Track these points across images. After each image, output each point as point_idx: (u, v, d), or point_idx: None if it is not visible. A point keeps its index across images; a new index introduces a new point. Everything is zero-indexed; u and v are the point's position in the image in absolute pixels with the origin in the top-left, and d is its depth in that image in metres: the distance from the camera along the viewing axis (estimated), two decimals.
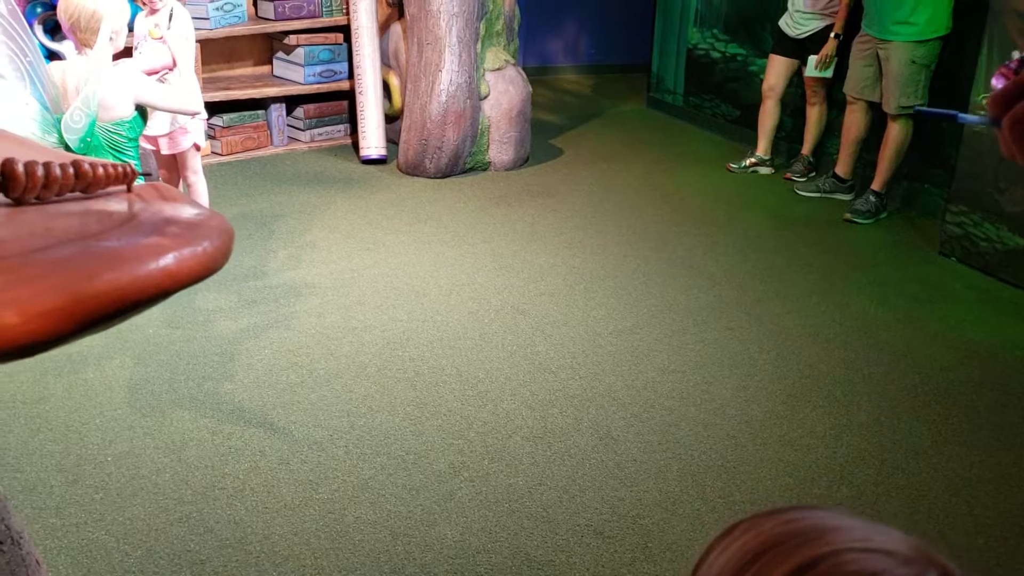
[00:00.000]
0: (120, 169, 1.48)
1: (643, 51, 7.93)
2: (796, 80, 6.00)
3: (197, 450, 3.19)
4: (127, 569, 2.66)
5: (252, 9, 6.07)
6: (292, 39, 6.07)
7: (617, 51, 8.80)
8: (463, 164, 5.87)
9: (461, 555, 2.77)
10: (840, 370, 3.85)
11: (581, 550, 2.80)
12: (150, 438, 3.25)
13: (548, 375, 3.74)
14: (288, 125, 6.27)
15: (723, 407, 3.56)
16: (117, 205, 1.48)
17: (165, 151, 4.37)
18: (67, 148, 3.85)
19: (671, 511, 2.98)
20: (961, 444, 3.40)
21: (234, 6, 5.82)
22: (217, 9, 5.70)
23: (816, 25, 5.65)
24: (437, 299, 4.32)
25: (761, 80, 6.16)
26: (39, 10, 5.17)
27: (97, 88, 3.74)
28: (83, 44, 3.86)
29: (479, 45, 5.76)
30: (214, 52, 6.01)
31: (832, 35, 5.56)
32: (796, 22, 5.73)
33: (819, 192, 5.77)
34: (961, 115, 1.10)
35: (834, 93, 5.80)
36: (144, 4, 4.25)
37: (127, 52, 4.31)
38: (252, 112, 6.06)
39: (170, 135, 4.33)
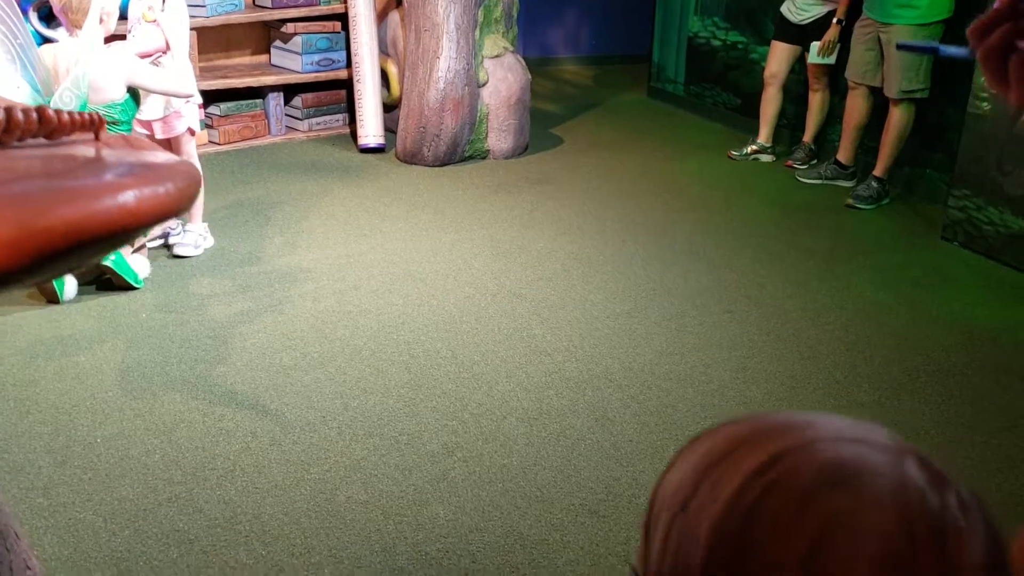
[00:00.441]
0: (87, 117, 1.43)
1: (644, 41, 7.89)
2: (798, 67, 5.95)
3: (188, 431, 3.15)
4: (114, 548, 2.63)
5: None
6: (289, 27, 6.03)
7: (618, 41, 8.75)
8: (462, 152, 5.83)
9: (453, 534, 2.73)
10: (841, 352, 3.80)
11: (575, 529, 2.76)
12: (140, 420, 3.21)
13: (544, 358, 3.69)
14: (286, 115, 6.23)
15: (722, 389, 3.52)
16: (83, 150, 1.43)
17: (159, 135, 4.33)
18: None
19: None
20: (962, 425, 3.36)
21: None
22: None
23: (818, 11, 5.61)
24: (433, 284, 4.28)
25: (762, 68, 6.11)
26: None
27: (87, 69, 3.71)
28: (73, 25, 3.83)
29: (477, 32, 5.72)
30: (211, 40, 5.97)
31: (834, 21, 5.51)
32: (798, 8, 5.68)
33: (821, 179, 5.72)
34: (943, 48, 1.06)
35: (837, 80, 5.75)
36: None
37: (123, 37, 4.28)
38: (250, 101, 6.02)
39: (164, 119, 4.30)
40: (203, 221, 4.53)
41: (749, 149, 6.14)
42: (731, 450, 0.65)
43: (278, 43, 6.17)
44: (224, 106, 5.91)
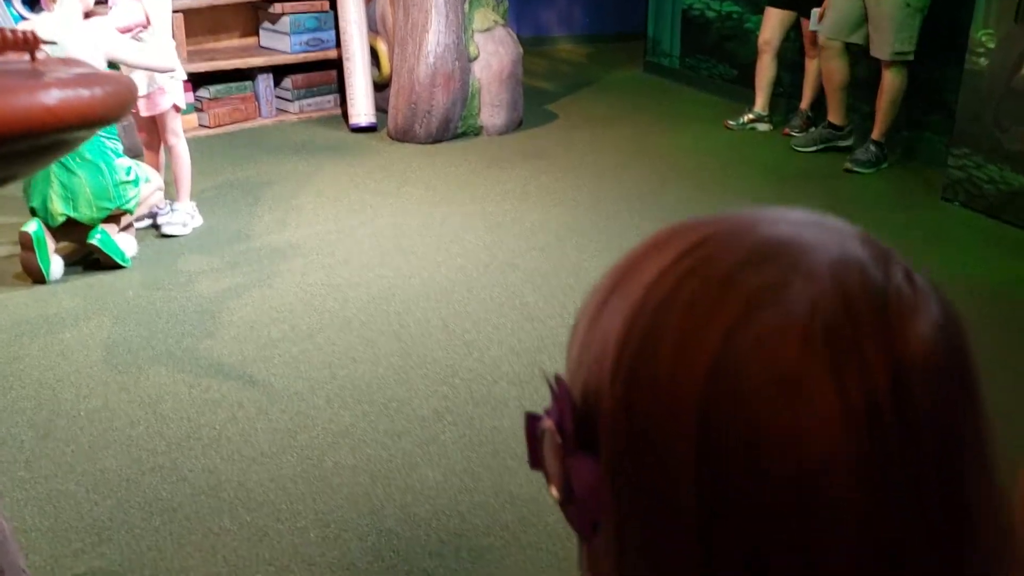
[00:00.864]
0: (23, 35, 1.37)
1: (639, 18, 7.81)
2: (792, 34, 5.87)
3: (173, 403, 3.10)
4: (96, 518, 2.57)
5: None
6: (277, 7, 5.97)
7: (612, 19, 8.67)
8: (454, 129, 5.76)
9: (442, 495, 2.67)
10: None
11: None
12: (125, 393, 3.15)
13: (537, 324, 3.63)
14: (277, 96, 6.17)
15: None
16: (20, 64, 1.37)
17: (144, 113, 4.28)
18: None
19: None
20: None
21: None
22: None
23: None
24: (424, 256, 4.22)
25: (757, 37, 6.03)
26: None
27: (64, 44, 3.65)
28: (51, 0, 3.77)
29: (467, 5, 5.65)
30: (199, 23, 5.91)
31: None
32: None
33: (816, 144, 5.61)
34: None
35: None
36: None
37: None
38: (239, 83, 5.96)
39: (148, 96, 4.24)
40: (191, 200, 4.47)
41: (745, 118, 6.06)
42: (659, 243, 0.58)
43: (266, 24, 6.11)
44: (213, 89, 5.86)
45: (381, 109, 6.00)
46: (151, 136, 4.44)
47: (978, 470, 0.54)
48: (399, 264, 4.14)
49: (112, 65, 3.87)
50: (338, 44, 6.06)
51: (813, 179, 5.25)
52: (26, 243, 3.80)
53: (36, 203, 3.87)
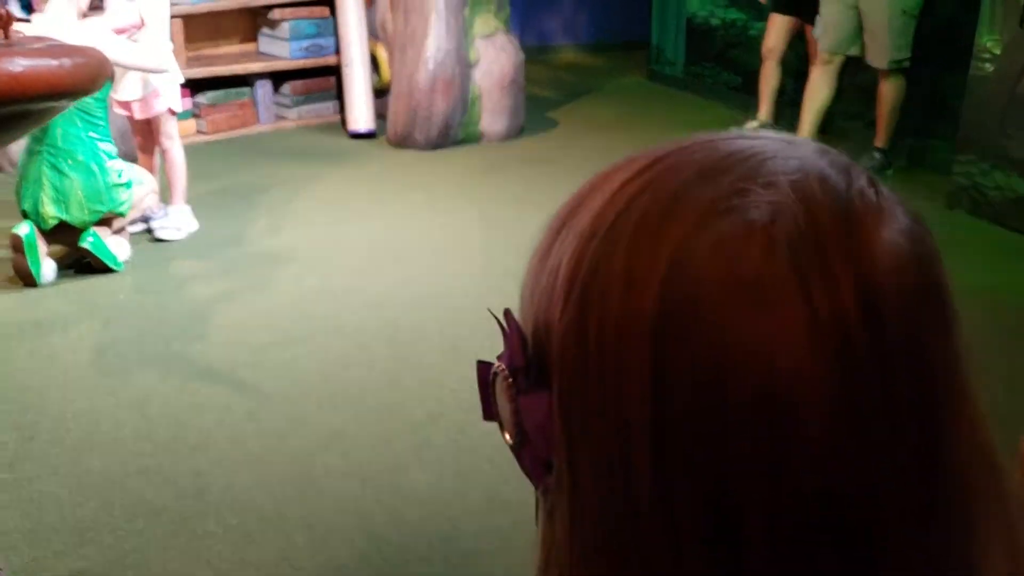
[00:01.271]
0: None
1: (643, 26, 7.77)
2: (796, 42, 5.81)
3: (161, 406, 3.04)
4: (79, 519, 2.52)
5: None
6: (276, 13, 5.93)
7: (617, 28, 8.62)
8: (454, 135, 5.71)
9: (433, 499, 2.61)
10: None
11: None
12: (112, 396, 3.10)
13: None
14: (276, 103, 6.13)
15: None
16: None
17: (139, 116, 4.24)
18: None
19: None
20: None
21: None
22: None
23: None
24: (421, 262, 4.16)
25: (761, 44, 5.97)
26: None
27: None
28: (42, 0, 3.74)
29: (467, 11, 5.60)
30: (198, 29, 5.87)
31: None
32: None
33: None
34: None
35: None
36: None
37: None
38: (238, 89, 5.92)
39: (143, 99, 4.20)
40: (186, 205, 4.42)
41: (749, 126, 6.00)
42: (607, 173, 0.54)
43: (266, 30, 6.07)
44: (211, 95, 5.82)
45: (381, 116, 5.95)
46: (146, 140, 4.39)
47: (953, 390, 0.51)
48: (395, 269, 4.08)
49: None
50: (338, 50, 6.02)
51: None
52: (17, 246, 3.76)
53: (28, 206, 3.82)
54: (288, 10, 5.94)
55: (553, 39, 8.61)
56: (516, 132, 5.95)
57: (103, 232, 3.93)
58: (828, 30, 5.13)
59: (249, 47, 6.20)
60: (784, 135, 0.54)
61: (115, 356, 3.34)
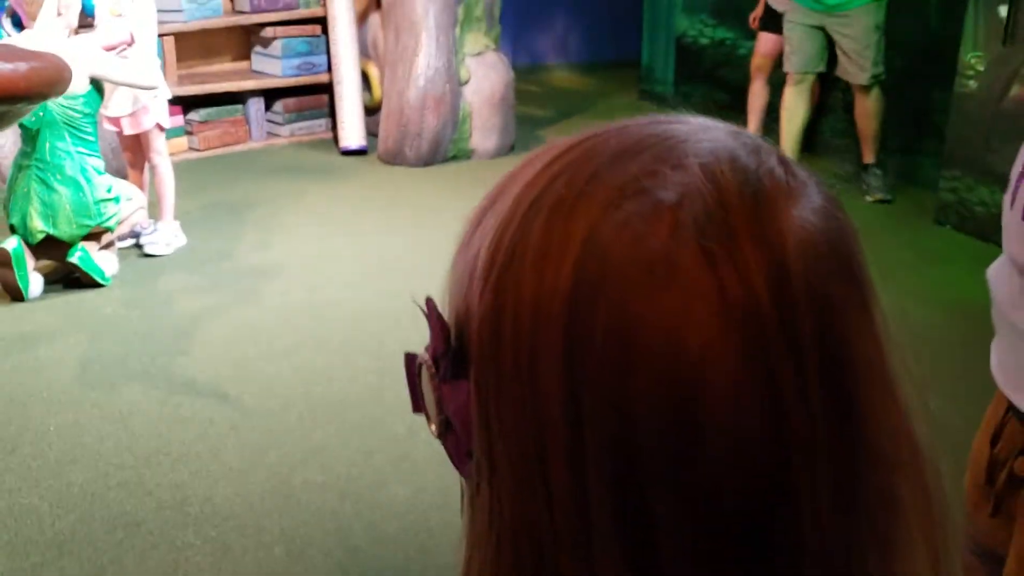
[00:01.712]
0: None
1: (634, 46, 7.81)
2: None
3: (143, 419, 3.05)
4: (58, 532, 2.52)
5: (228, 2, 5.98)
6: (269, 31, 5.97)
7: (608, 47, 8.67)
8: (444, 152, 5.74)
9: (412, 512, 2.62)
10: None
11: None
12: (96, 409, 3.11)
13: None
14: (268, 120, 6.16)
15: None
16: None
17: (128, 131, 4.27)
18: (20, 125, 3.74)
19: None
20: (946, 397, 3.22)
21: None
22: (191, 1, 5.61)
23: None
24: (407, 276, 4.17)
25: (750, 63, 6.01)
26: (6, 3, 5.09)
27: None
28: (30, 17, 3.78)
29: (458, 29, 5.64)
30: (190, 47, 5.90)
31: None
32: None
33: None
34: None
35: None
36: None
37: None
38: (230, 107, 5.95)
39: (132, 115, 4.23)
40: (175, 220, 4.44)
41: None
42: (529, 160, 0.55)
43: (258, 48, 6.11)
44: (204, 112, 5.84)
45: (372, 133, 5.98)
46: (135, 155, 4.41)
47: (871, 373, 0.50)
48: (382, 284, 4.10)
49: (95, 82, 3.86)
50: (329, 68, 6.05)
51: None
52: (5, 261, 3.77)
53: (16, 220, 3.84)
54: (280, 28, 5.98)
55: (544, 58, 8.66)
56: (507, 150, 5.97)
57: (91, 247, 3.94)
58: (795, 51, 5.17)
59: (242, 65, 6.24)
60: (701, 119, 0.54)
61: (100, 370, 3.36)
